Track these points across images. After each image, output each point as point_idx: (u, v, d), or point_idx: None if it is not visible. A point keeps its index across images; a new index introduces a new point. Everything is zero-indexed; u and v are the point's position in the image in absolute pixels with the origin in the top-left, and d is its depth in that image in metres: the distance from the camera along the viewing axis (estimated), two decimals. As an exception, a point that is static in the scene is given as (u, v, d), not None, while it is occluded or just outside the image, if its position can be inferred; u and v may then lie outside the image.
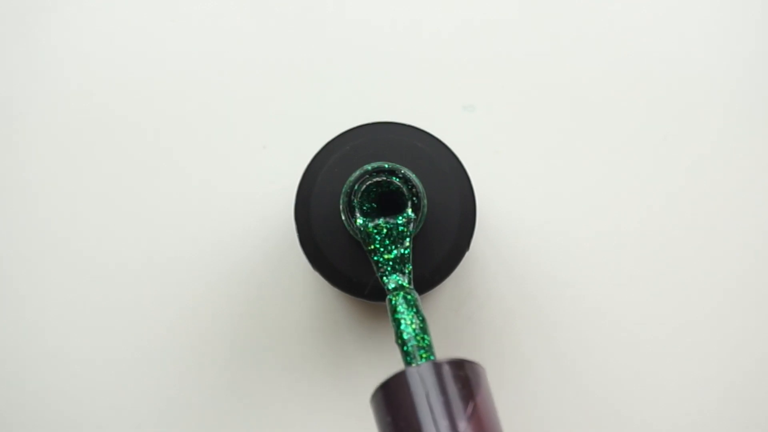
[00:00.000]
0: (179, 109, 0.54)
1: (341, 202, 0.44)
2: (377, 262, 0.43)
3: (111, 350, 0.52)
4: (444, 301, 0.53)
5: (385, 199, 0.44)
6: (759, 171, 0.54)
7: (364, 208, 0.44)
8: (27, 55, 0.54)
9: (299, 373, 0.52)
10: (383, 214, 0.44)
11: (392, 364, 0.52)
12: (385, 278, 0.43)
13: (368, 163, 0.45)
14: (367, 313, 0.52)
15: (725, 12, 0.55)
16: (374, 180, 0.44)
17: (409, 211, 0.44)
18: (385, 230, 0.43)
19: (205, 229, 0.53)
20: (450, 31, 0.55)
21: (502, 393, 0.52)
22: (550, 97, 0.54)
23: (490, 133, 0.54)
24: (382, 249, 0.43)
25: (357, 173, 0.44)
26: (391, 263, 0.43)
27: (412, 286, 0.42)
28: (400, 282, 0.42)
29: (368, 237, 0.43)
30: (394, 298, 0.41)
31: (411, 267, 0.43)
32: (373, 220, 0.43)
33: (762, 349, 0.53)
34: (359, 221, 0.44)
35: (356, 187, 0.44)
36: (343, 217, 0.44)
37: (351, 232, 0.45)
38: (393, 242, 0.43)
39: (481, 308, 0.53)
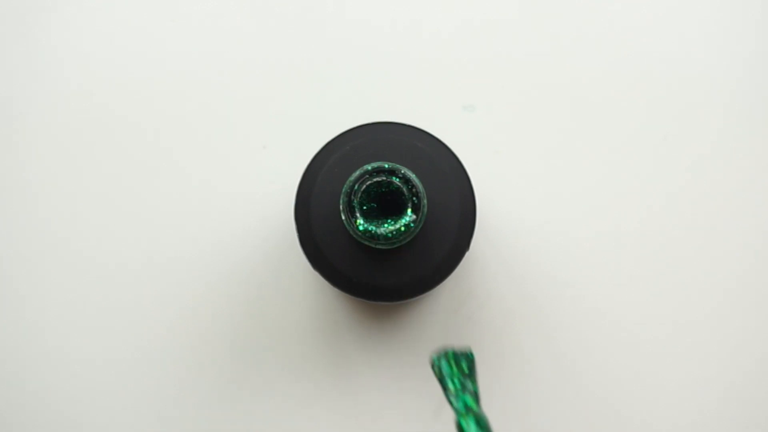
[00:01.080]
0: (179, 109, 0.54)
1: (341, 202, 0.44)
2: (445, 387, 0.43)
3: (111, 350, 0.52)
4: (444, 301, 0.53)
5: (385, 200, 0.44)
6: (759, 171, 0.54)
7: (364, 208, 0.44)
8: (27, 54, 0.54)
9: (299, 373, 0.52)
10: (383, 215, 0.44)
11: (392, 363, 0.52)
12: (453, 401, 0.42)
13: (368, 163, 0.45)
14: (368, 313, 0.52)
15: (725, 12, 0.55)
16: (374, 180, 0.44)
17: (409, 211, 0.44)
18: (452, 354, 0.43)
19: (205, 229, 0.53)
20: (450, 31, 0.55)
21: (502, 393, 0.52)
22: (550, 97, 0.54)
23: (490, 133, 0.54)
24: (450, 374, 0.43)
25: (357, 173, 0.44)
26: (459, 385, 0.42)
27: (480, 407, 0.42)
28: (469, 404, 0.42)
29: (439, 370, 0.43)
30: (464, 422, 0.41)
31: (478, 388, 0.42)
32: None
33: (762, 349, 0.53)
34: (359, 222, 0.44)
35: (356, 187, 0.44)
36: (343, 217, 0.44)
37: (351, 233, 0.45)
38: (460, 369, 0.43)
39: (481, 308, 0.53)
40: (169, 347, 0.52)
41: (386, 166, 0.44)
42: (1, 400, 0.52)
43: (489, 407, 0.51)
